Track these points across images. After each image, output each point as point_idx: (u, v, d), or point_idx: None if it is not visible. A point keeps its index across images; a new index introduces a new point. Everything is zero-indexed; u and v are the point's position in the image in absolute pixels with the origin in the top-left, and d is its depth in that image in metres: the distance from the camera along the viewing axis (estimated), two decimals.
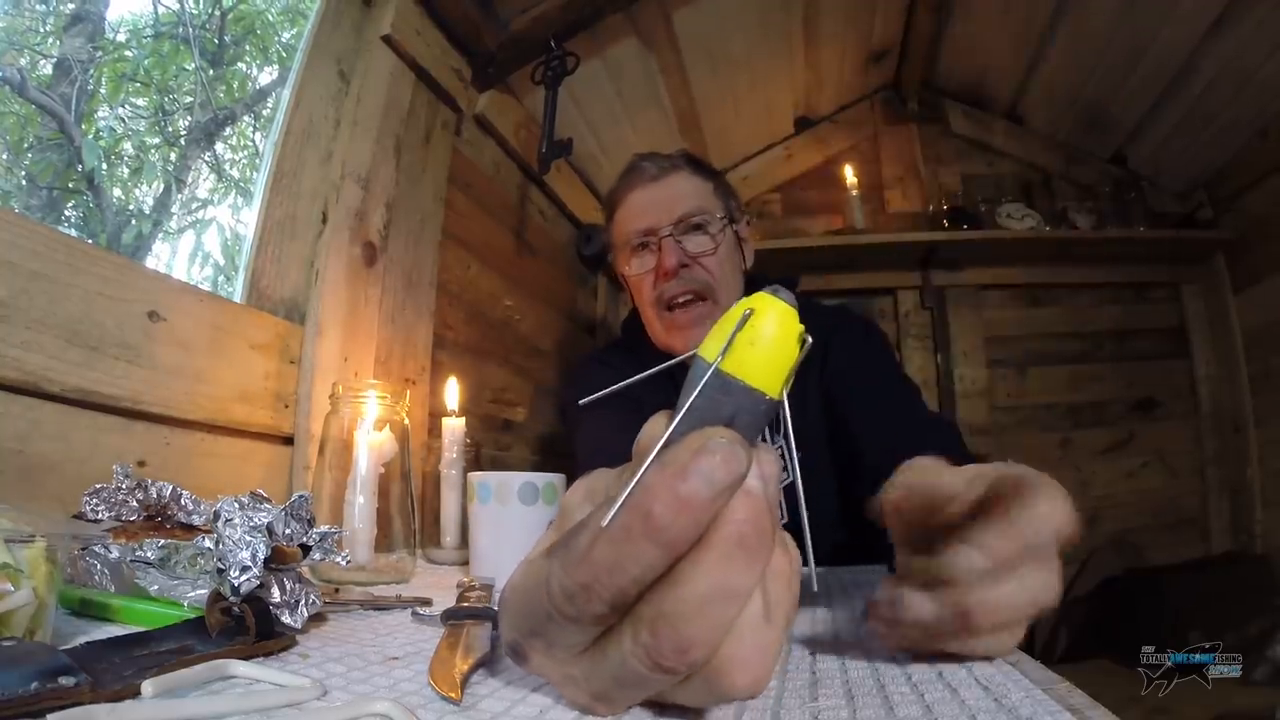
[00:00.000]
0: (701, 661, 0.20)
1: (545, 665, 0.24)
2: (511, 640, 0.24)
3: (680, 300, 0.87)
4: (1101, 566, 1.60)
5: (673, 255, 0.85)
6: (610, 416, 0.66)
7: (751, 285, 0.96)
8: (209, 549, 0.35)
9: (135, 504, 0.48)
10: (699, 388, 0.21)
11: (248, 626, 0.32)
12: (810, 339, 0.22)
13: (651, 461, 0.20)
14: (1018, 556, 0.27)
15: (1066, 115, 1.83)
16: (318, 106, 0.90)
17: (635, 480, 0.19)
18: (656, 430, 0.22)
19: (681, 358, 0.23)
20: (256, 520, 0.36)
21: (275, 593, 0.35)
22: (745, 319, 0.21)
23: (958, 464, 0.36)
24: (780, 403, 0.22)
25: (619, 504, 0.19)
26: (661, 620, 0.19)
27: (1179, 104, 1.59)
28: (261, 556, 0.34)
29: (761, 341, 0.21)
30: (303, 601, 0.36)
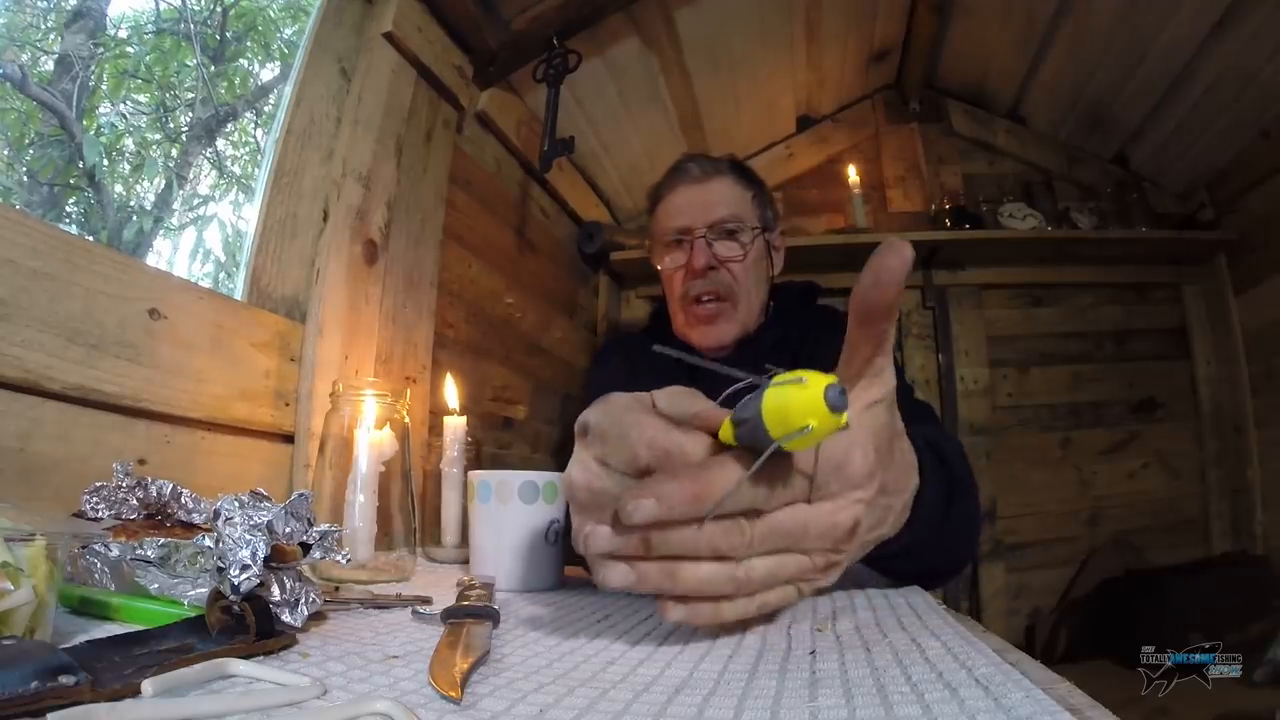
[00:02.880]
0: None
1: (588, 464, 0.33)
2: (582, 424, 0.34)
3: (703, 298, 0.91)
4: (1102, 567, 1.60)
5: (702, 257, 0.90)
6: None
7: (775, 291, 0.98)
8: (209, 547, 0.35)
9: (135, 502, 0.48)
10: (755, 421, 0.29)
11: (248, 625, 0.32)
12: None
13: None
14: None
15: (1068, 116, 1.83)
16: (319, 104, 0.90)
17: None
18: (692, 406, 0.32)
19: (742, 382, 0.30)
20: (256, 518, 0.36)
21: (275, 591, 0.35)
22: (804, 432, 0.27)
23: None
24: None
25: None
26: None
27: (1181, 105, 1.59)
28: (261, 555, 0.34)
29: (804, 439, 0.28)
30: (303, 600, 0.36)
